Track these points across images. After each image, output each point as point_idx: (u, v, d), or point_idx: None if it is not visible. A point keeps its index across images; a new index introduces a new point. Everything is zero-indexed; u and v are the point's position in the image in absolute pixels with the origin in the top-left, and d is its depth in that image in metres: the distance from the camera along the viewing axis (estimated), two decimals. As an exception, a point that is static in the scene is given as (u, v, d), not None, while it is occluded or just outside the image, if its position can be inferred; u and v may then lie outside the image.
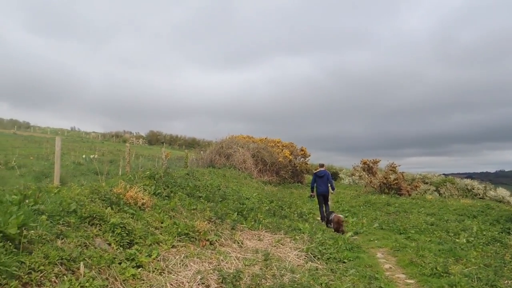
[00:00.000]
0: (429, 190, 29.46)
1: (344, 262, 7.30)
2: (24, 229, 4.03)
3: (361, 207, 16.02)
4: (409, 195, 20.49)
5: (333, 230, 10.62)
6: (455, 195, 28.55)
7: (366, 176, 25.30)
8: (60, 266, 4.01)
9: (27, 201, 4.95)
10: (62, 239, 4.64)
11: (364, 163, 25.66)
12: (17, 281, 3.41)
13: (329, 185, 12.55)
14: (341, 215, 11.25)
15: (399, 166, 22.44)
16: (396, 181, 20.93)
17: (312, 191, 13.06)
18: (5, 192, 5.57)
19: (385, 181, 21.26)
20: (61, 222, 5.05)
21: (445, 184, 30.58)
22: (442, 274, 6.55)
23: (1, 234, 3.74)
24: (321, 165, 13.24)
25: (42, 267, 3.75)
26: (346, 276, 6.21)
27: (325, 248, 7.89)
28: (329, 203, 13.00)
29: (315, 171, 13.24)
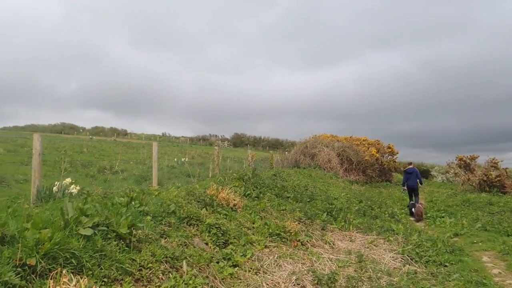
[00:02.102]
0: (539, 187, 26.33)
1: (446, 266, 6.83)
2: (133, 229, 4.37)
3: (459, 207, 14.86)
4: (515, 193, 18.54)
5: (414, 220, 12.70)
6: None
7: (463, 173, 23.50)
8: (165, 264, 4.29)
9: (133, 202, 5.38)
10: (165, 238, 4.97)
11: (460, 159, 23.91)
12: (130, 277, 3.71)
13: (418, 180, 14.45)
14: (420, 205, 13.21)
15: (502, 161, 20.51)
16: (498, 178, 19.09)
17: (404, 186, 14.92)
18: (114, 194, 6.12)
19: (485, 178, 19.50)
20: (163, 223, 5.40)
21: (558, 180, 27.10)
22: None
23: (115, 234, 4.10)
24: (410, 163, 15.50)
25: (150, 265, 4.04)
26: (449, 281, 5.82)
27: (422, 251, 7.48)
28: (419, 196, 14.81)
29: (404, 169, 15.64)
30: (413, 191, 14.37)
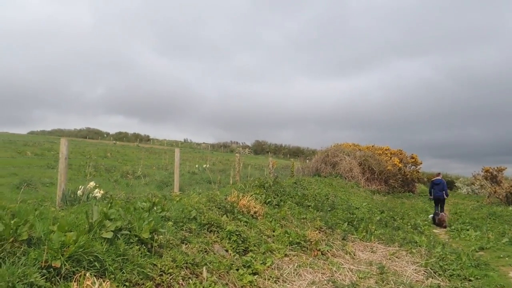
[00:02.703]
0: None
1: (470, 280, 6.62)
2: (155, 234, 4.42)
3: (485, 220, 14.41)
4: (546, 207, 17.88)
5: (439, 226, 13.17)
6: None
7: (489, 185, 22.85)
8: (185, 270, 4.31)
9: (155, 208, 5.45)
10: (186, 244, 5.00)
11: (487, 171, 23.26)
12: (151, 282, 3.74)
13: (443, 191, 14.46)
14: (444, 214, 13.71)
15: (531, 173, 19.88)
16: (527, 191, 18.48)
17: (430, 195, 15.21)
18: (137, 199, 6.21)
19: (513, 191, 18.92)
20: (184, 228, 5.45)
21: None
22: None
23: (137, 238, 4.15)
24: (438, 174, 15.39)
25: (171, 270, 4.07)
26: (475, 297, 5.63)
27: (446, 264, 7.26)
28: (444, 206, 14.99)
29: (432, 179, 15.56)
30: (439, 202, 14.42)
